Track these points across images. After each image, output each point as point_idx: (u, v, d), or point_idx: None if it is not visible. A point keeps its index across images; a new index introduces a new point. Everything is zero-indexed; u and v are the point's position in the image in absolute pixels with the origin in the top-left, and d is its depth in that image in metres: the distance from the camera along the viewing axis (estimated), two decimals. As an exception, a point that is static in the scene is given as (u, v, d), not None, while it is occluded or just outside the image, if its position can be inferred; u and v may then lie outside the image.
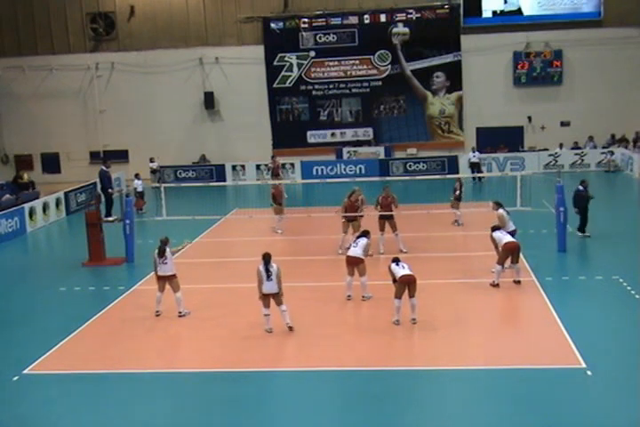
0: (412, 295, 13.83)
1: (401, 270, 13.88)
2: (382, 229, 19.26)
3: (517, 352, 12.46)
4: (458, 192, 22.37)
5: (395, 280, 14.00)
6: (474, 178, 31.34)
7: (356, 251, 15.28)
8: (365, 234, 15.66)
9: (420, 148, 37.03)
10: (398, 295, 13.81)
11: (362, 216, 19.07)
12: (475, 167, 32.49)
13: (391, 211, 19.12)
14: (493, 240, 16.52)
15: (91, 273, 19.21)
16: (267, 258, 13.51)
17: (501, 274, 16.24)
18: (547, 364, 11.90)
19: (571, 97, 36.32)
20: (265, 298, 13.60)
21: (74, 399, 11.45)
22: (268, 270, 13.44)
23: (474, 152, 33.20)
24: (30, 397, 11.53)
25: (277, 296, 13.57)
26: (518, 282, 16.23)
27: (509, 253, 16.10)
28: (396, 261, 14.20)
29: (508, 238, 16.16)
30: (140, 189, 27.59)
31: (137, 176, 28.16)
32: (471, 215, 22.86)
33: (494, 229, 16.71)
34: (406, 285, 13.77)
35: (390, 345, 13.30)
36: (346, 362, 12.35)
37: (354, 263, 15.27)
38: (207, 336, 13.89)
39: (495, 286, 16.07)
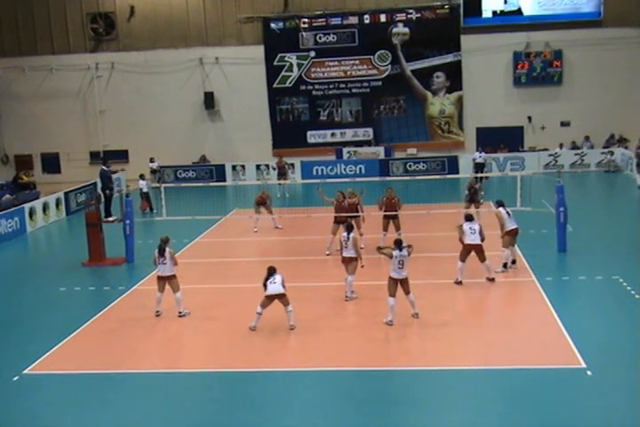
0: (407, 292, 13.87)
1: (395, 270, 13.75)
2: (386, 228, 19.38)
3: (517, 352, 12.45)
4: (483, 192, 22.56)
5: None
6: (476, 178, 31.15)
7: (348, 251, 15.34)
8: (351, 229, 15.66)
9: (420, 148, 37.02)
10: (391, 293, 13.76)
11: (353, 217, 18.94)
12: (479, 168, 32.36)
13: (395, 211, 19.21)
14: (499, 218, 17.02)
15: (91, 273, 19.21)
16: (270, 271, 13.66)
17: (503, 271, 16.57)
18: (547, 364, 11.90)
19: (571, 97, 36.30)
20: (269, 299, 13.63)
21: (74, 399, 11.44)
22: (268, 279, 13.60)
23: (480, 153, 33.12)
24: (30, 397, 11.53)
25: (283, 297, 13.62)
26: (514, 262, 17.18)
27: (515, 238, 16.98)
28: (399, 244, 13.94)
29: (514, 225, 16.93)
30: (145, 190, 27.55)
31: (141, 177, 28.08)
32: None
33: (500, 204, 17.25)
34: (397, 282, 13.79)
35: (390, 345, 13.32)
36: (346, 362, 12.34)
37: (347, 262, 15.41)
38: (207, 336, 13.91)
39: (491, 280, 16.28)
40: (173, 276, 14.85)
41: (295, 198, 29.86)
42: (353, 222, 17.14)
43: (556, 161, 34.41)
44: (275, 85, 37.54)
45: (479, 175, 30.44)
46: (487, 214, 20.24)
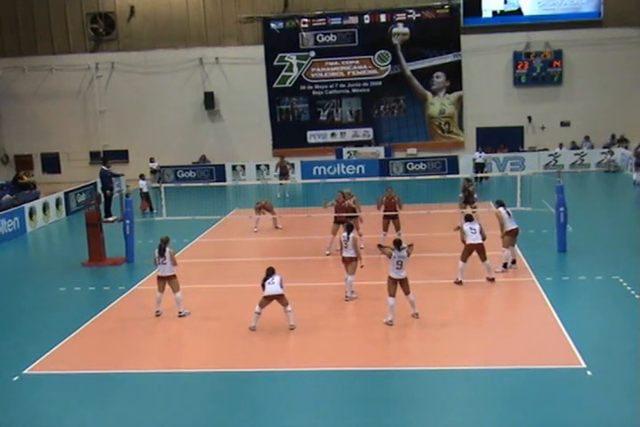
0: (407, 292, 13.87)
1: (394, 270, 13.77)
2: (386, 228, 19.41)
3: (517, 352, 12.45)
4: (476, 195, 22.33)
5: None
6: (476, 178, 31.17)
7: (348, 251, 15.36)
8: (351, 229, 15.67)
9: (420, 148, 37.03)
10: (390, 293, 13.75)
11: (353, 217, 18.90)
12: (479, 168, 32.33)
13: (396, 211, 19.23)
14: (499, 218, 17.05)
15: (91, 273, 19.21)
16: (269, 272, 13.65)
17: (503, 271, 16.68)
18: (547, 364, 11.90)
19: (571, 97, 36.31)
20: (267, 299, 13.62)
21: (74, 399, 11.44)
22: (266, 280, 13.60)
23: (480, 153, 33.11)
24: (30, 397, 11.53)
25: (282, 297, 13.62)
26: (514, 262, 17.18)
27: (515, 238, 17.04)
28: (398, 244, 13.89)
29: (514, 225, 16.97)
30: (145, 190, 27.54)
31: (142, 177, 28.07)
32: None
33: (500, 204, 17.31)
34: (397, 282, 13.77)
35: (390, 345, 13.31)
36: (346, 362, 12.34)
37: (346, 262, 15.42)
38: (207, 336, 13.90)
39: (491, 280, 16.30)
40: (173, 276, 14.85)
41: (295, 198, 29.84)
42: (353, 222, 17.15)
43: (556, 161, 34.42)
44: (275, 85, 37.55)
45: (476, 176, 30.55)
46: (487, 214, 20.23)
